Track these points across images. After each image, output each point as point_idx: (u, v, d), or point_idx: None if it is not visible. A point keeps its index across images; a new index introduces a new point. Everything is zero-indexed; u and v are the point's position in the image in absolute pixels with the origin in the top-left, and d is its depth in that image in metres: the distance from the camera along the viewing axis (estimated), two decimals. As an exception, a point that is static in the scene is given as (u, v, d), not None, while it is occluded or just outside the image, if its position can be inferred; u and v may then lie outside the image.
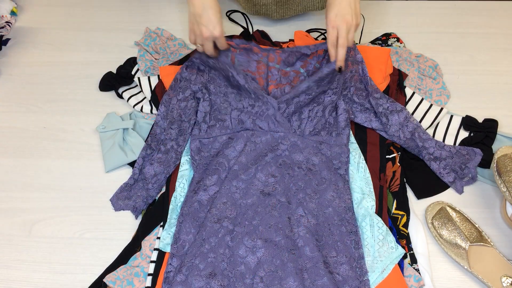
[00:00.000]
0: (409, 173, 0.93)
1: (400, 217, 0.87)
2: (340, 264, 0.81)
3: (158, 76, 1.07)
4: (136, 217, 0.91)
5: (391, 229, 0.85)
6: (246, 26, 1.20)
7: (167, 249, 0.84)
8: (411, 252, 0.83)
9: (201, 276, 0.80)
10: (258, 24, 1.21)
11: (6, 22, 1.23)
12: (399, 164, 0.93)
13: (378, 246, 0.81)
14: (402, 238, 0.85)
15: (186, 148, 0.97)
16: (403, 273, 0.80)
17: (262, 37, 1.14)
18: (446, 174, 0.92)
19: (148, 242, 0.86)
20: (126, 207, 0.92)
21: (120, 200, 0.92)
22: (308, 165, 0.90)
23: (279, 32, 1.19)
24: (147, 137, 0.98)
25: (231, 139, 0.93)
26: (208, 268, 0.81)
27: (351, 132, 0.96)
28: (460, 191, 0.91)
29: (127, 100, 1.06)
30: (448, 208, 0.87)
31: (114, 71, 1.12)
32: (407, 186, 0.92)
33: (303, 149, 0.89)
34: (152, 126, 0.99)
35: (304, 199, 0.87)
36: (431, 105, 1.00)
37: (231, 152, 0.92)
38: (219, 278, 0.80)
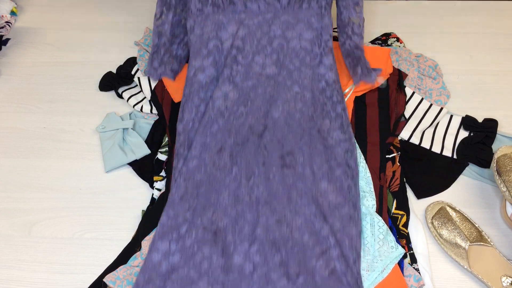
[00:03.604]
0: (409, 173, 0.93)
1: (400, 217, 0.87)
2: (334, 130, 0.90)
3: (158, 76, 1.07)
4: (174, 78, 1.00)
5: (391, 228, 0.85)
6: None
7: None
8: (411, 252, 0.83)
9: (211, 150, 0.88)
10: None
11: (6, 22, 1.23)
12: (399, 164, 0.93)
13: (378, 246, 0.81)
14: (402, 238, 0.85)
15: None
16: (403, 272, 0.80)
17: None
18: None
19: (148, 242, 0.86)
20: (164, 73, 0.98)
21: (152, 69, 0.98)
22: (301, 43, 0.95)
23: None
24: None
25: (222, 22, 0.96)
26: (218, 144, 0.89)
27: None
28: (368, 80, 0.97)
29: (127, 100, 1.06)
30: (448, 208, 0.87)
31: (114, 71, 1.12)
32: (407, 186, 0.93)
33: (295, 25, 0.94)
34: None
35: (299, 76, 0.91)
36: (431, 105, 1.00)
37: (223, 34, 0.95)
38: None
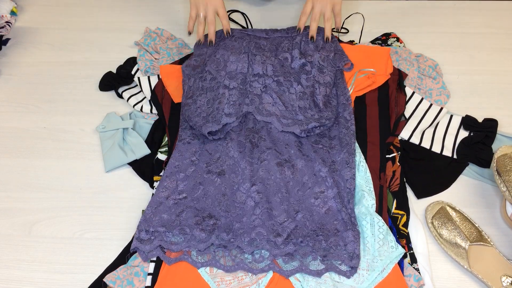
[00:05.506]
0: (409, 173, 0.93)
1: (400, 216, 0.87)
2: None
3: (158, 76, 1.07)
4: None
5: (391, 228, 0.85)
6: (246, 26, 1.20)
7: None
8: (411, 251, 0.83)
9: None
10: (257, 23, 1.21)
11: (6, 22, 1.23)
12: (399, 164, 0.93)
13: (378, 245, 0.81)
14: (402, 237, 0.85)
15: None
16: (403, 272, 0.80)
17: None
18: None
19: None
20: None
21: None
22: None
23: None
24: None
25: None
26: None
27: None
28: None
29: (127, 100, 1.06)
30: (448, 208, 0.87)
31: (114, 71, 1.12)
32: (407, 185, 0.93)
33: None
34: None
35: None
36: (431, 105, 1.00)
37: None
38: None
